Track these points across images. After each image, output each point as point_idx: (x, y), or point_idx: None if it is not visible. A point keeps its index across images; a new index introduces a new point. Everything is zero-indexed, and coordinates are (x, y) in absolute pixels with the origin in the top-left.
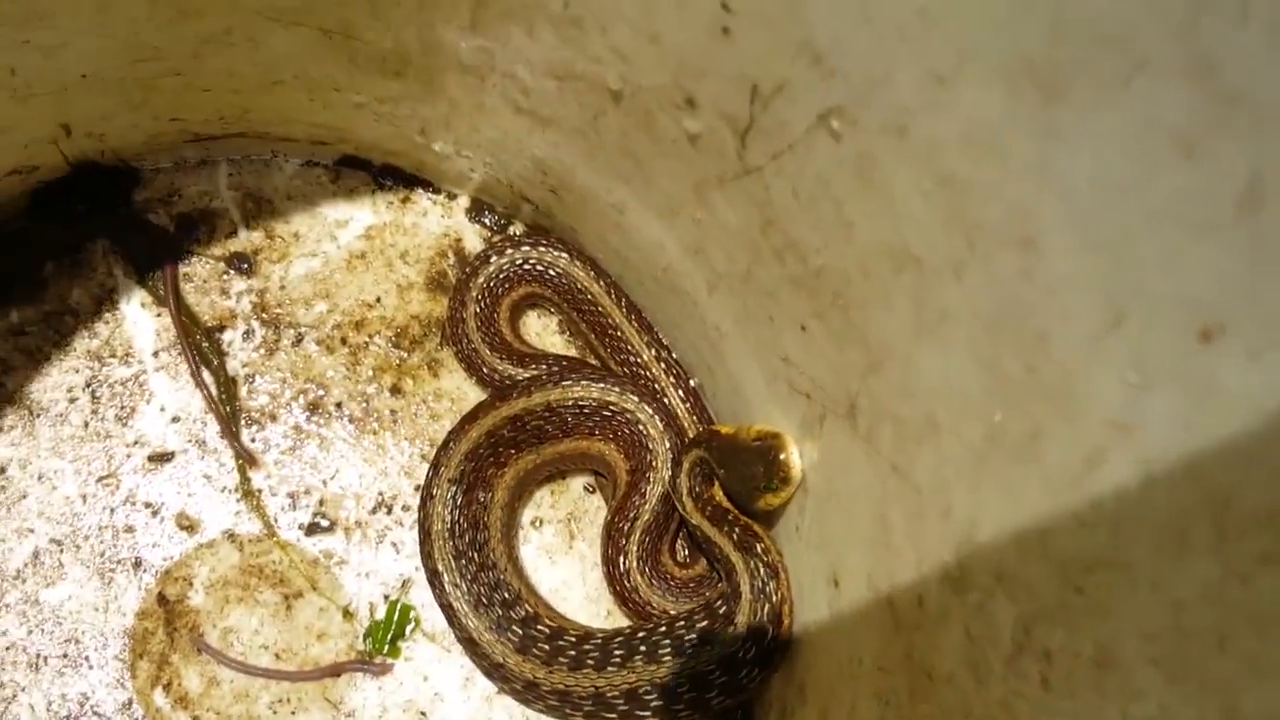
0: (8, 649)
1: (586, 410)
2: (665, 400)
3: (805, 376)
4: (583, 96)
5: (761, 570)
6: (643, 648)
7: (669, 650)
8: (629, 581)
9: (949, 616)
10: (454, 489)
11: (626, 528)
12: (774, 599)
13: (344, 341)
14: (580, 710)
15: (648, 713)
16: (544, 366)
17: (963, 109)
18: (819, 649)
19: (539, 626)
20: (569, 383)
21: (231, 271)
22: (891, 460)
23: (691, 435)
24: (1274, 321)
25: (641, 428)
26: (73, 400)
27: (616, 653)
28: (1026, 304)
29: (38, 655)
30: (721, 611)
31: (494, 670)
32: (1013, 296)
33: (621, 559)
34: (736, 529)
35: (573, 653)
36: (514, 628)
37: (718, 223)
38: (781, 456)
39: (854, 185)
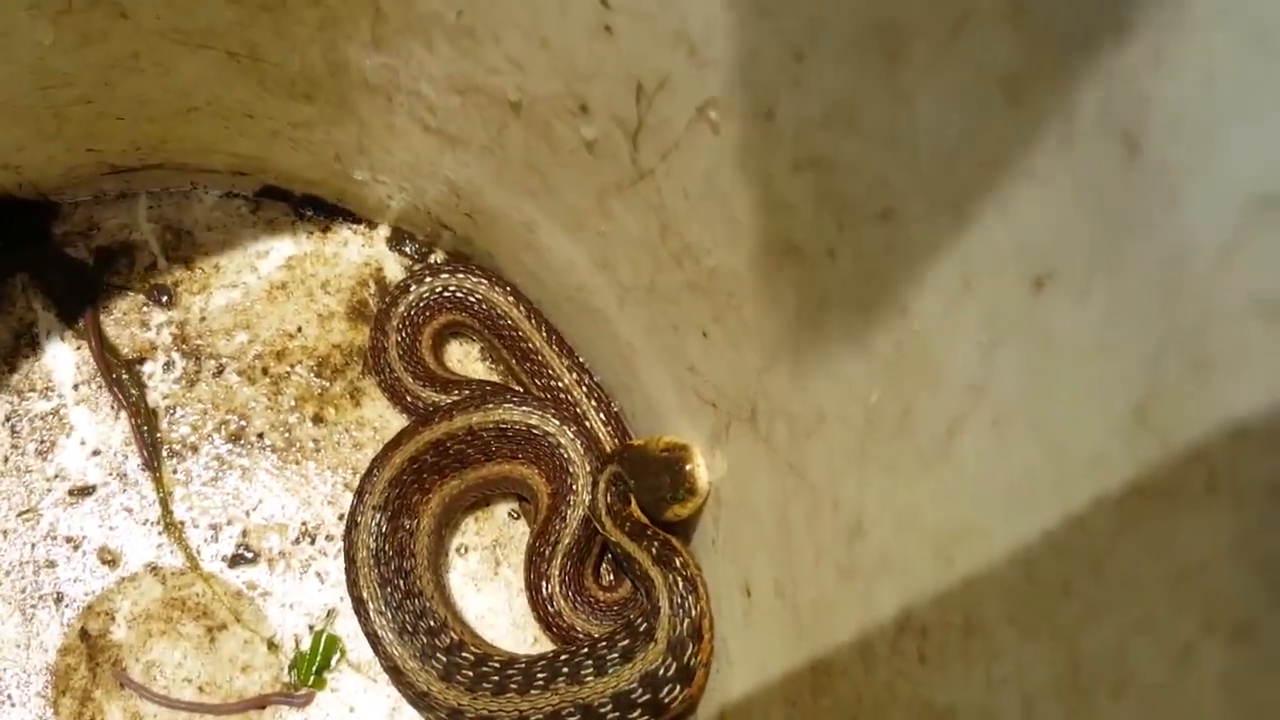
0: None
1: (509, 433)
2: (587, 423)
3: (710, 384)
4: (485, 111)
5: (680, 584)
6: (565, 670)
7: (591, 670)
8: (552, 606)
9: (842, 608)
10: (379, 516)
11: (548, 552)
12: (693, 614)
13: (265, 372)
14: None
15: None
16: (467, 393)
17: (821, 83)
18: (736, 662)
19: (463, 654)
20: (491, 405)
21: (151, 304)
22: (788, 459)
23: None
24: (1095, 259)
25: (562, 451)
26: None
27: (539, 676)
28: (891, 280)
29: None
30: (642, 629)
31: (419, 699)
32: (878, 272)
33: (544, 584)
34: (655, 544)
35: (496, 678)
36: (439, 655)
37: (620, 232)
38: (688, 468)
39: (736, 178)
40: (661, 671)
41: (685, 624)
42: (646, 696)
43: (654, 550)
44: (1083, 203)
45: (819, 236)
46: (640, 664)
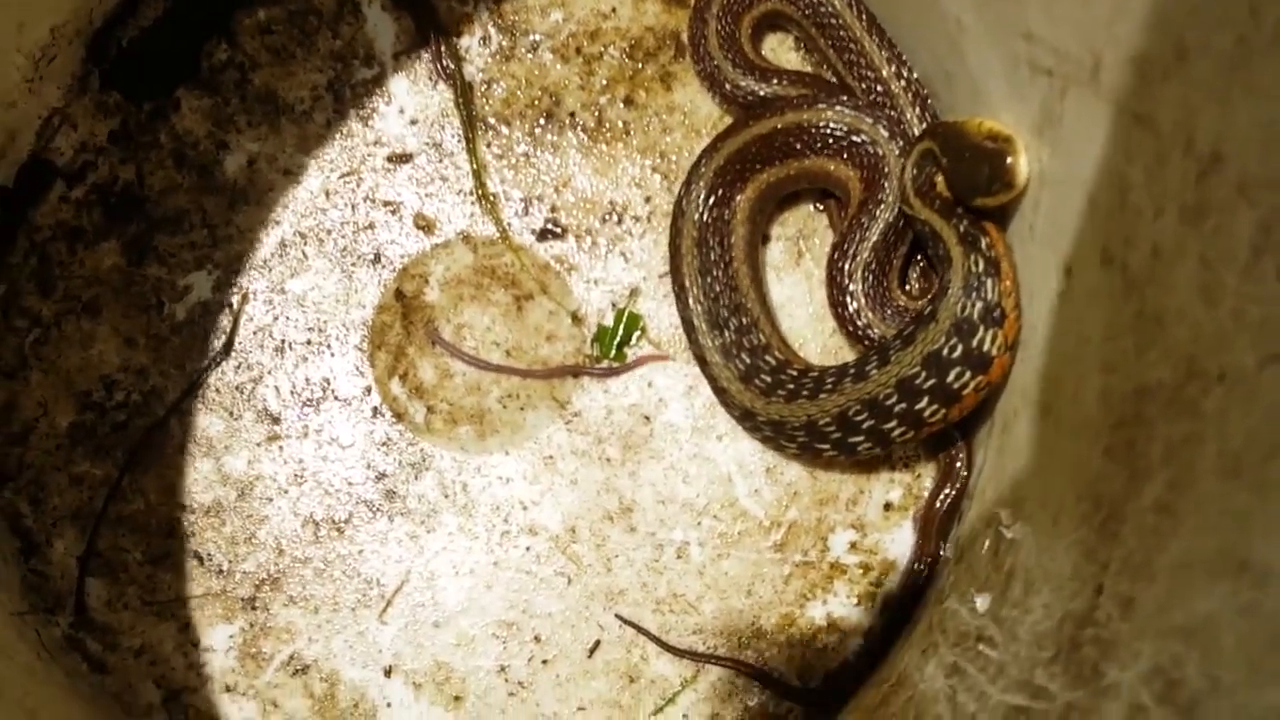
0: (255, 333)
1: (837, 134)
2: (903, 121)
3: (1048, 49)
4: None
5: (980, 265)
6: (853, 370)
7: (875, 364)
8: (860, 320)
9: (1184, 252)
10: (703, 205)
11: (848, 266)
12: (989, 297)
13: (578, 51)
14: (794, 441)
15: (860, 436)
16: (784, 82)
17: None
18: (1045, 346)
19: (767, 358)
20: (823, 105)
21: None
22: (1134, 111)
23: None
24: None
25: (884, 163)
26: (316, 99)
27: (829, 381)
28: None
29: (283, 340)
30: (927, 312)
31: (717, 393)
32: None
33: (849, 300)
34: (964, 222)
35: (791, 386)
36: (743, 355)
37: None
38: (1008, 161)
39: None
40: (946, 353)
41: (977, 306)
42: (932, 381)
43: (961, 228)
44: None
45: None
46: (921, 345)
